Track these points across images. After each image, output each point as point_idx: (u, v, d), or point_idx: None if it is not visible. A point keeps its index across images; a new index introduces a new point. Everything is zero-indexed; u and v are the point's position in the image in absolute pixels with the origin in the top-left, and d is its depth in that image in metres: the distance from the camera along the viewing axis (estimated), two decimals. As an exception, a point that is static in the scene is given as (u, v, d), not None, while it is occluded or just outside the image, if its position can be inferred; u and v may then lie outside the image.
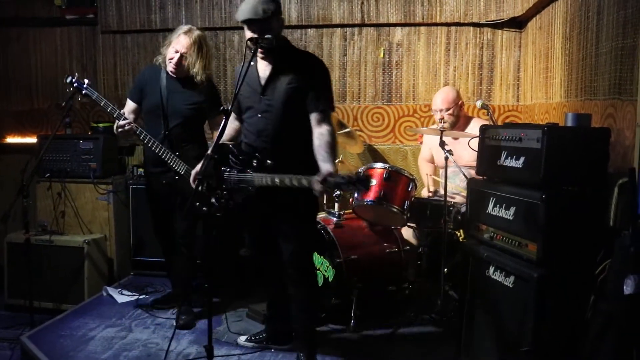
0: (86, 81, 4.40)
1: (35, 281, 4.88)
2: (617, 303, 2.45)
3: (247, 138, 3.58)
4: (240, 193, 3.48)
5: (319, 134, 3.38)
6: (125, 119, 4.26)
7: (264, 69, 3.46)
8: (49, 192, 5.47)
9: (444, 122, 4.76)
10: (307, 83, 3.41)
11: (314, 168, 3.32)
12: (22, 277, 4.99)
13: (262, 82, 3.44)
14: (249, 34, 3.33)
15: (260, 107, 3.46)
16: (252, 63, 3.34)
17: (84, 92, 4.36)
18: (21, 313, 4.94)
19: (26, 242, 4.75)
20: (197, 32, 4.37)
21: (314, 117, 3.42)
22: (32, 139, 6.21)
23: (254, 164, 3.44)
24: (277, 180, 3.30)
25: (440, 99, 4.88)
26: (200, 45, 4.34)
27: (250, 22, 3.28)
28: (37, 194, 5.51)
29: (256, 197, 3.45)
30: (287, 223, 3.57)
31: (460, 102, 4.89)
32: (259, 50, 3.33)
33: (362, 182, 3.05)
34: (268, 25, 3.28)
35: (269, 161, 3.40)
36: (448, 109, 4.83)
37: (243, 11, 3.27)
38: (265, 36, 3.25)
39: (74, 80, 4.39)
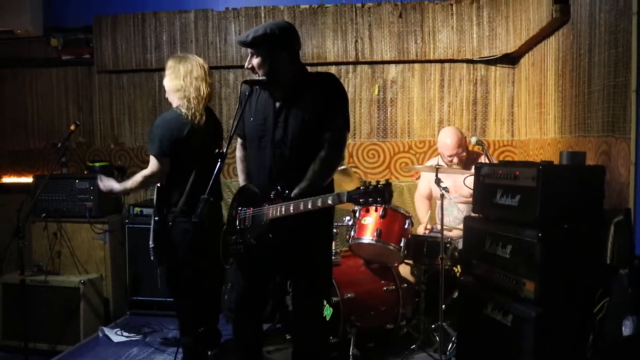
0: None
1: (31, 322, 4.85)
2: (616, 344, 2.44)
3: (258, 170, 3.43)
4: (253, 230, 3.32)
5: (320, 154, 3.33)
6: None
7: (277, 98, 3.36)
8: (45, 232, 5.46)
9: (462, 161, 4.88)
10: (323, 107, 3.30)
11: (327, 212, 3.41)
12: (17, 318, 4.96)
13: (276, 111, 3.33)
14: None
15: (274, 136, 3.32)
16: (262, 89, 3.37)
17: None
18: (16, 355, 4.89)
19: (21, 282, 4.73)
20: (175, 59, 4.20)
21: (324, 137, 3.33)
22: (28, 179, 6.20)
23: (272, 195, 3.26)
24: (291, 207, 3.12)
25: (454, 143, 4.84)
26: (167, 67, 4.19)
27: (241, 44, 3.31)
28: (32, 233, 5.50)
29: (270, 233, 3.26)
30: (304, 261, 3.43)
31: (465, 138, 4.95)
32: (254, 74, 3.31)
33: (380, 192, 2.85)
34: (255, 51, 3.25)
35: (287, 191, 3.22)
36: (463, 151, 4.88)
37: (243, 33, 3.36)
38: (260, 78, 3.27)
39: None
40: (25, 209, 4.81)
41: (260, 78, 3.26)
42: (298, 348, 3.63)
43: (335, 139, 3.33)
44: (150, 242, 4.04)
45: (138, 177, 4.06)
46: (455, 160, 4.86)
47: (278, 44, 3.26)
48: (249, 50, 3.27)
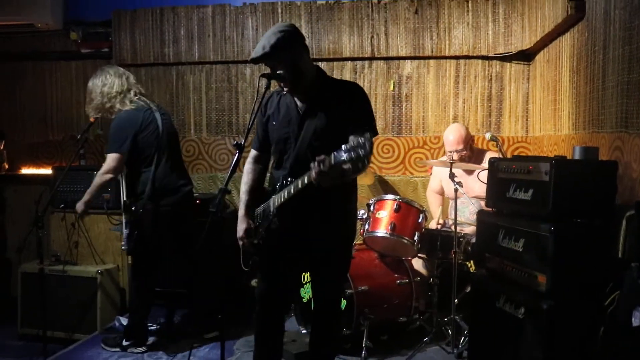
0: None
1: (49, 311, 4.90)
2: (627, 335, 2.48)
3: (279, 168, 3.41)
4: (263, 223, 3.39)
5: None
6: None
7: (300, 100, 3.34)
8: (63, 222, 5.53)
9: (464, 160, 4.88)
10: (346, 112, 3.23)
11: (344, 197, 3.38)
12: (35, 307, 5.02)
13: (301, 113, 3.31)
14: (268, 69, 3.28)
15: (297, 138, 3.30)
16: (284, 93, 3.33)
17: None
18: (34, 343, 4.95)
19: (40, 272, 4.79)
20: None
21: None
22: (47, 170, 6.30)
23: (277, 187, 3.31)
24: (285, 193, 3.18)
25: (455, 140, 4.89)
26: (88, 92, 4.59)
27: (259, 60, 3.20)
28: (51, 224, 5.58)
29: (276, 218, 3.31)
30: (323, 253, 3.44)
31: (472, 137, 4.95)
32: (282, 85, 3.25)
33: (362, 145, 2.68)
34: (277, 59, 3.18)
35: (290, 178, 3.23)
36: (465, 148, 4.89)
37: (254, 51, 3.20)
38: (277, 72, 3.20)
39: None
40: (44, 200, 4.88)
41: (279, 72, 3.22)
42: (317, 336, 3.64)
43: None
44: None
45: (97, 179, 4.46)
46: (455, 156, 4.85)
47: (294, 43, 3.23)
48: (269, 63, 3.22)
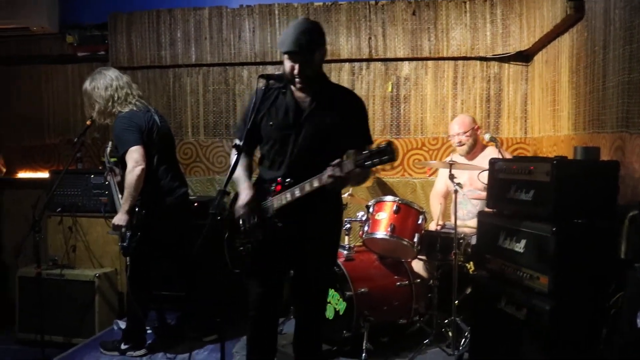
0: None
1: (47, 315, 4.88)
2: (631, 336, 2.46)
3: (272, 168, 3.38)
4: (260, 227, 3.32)
5: None
6: None
7: (303, 100, 3.31)
8: (60, 226, 5.51)
9: (462, 145, 4.96)
10: (348, 120, 3.29)
11: (336, 196, 3.43)
12: (33, 311, 5.00)
13: (304, 113, 3.28)
14: (287, 64, 3.20)
15: (294, 138, 3.28)
16: (284, 91, 3.31)
17: None
18: (32, 347, 4.93)
19: (37, 276, 4.76)
20: (85, 84, 4.54)
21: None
22: (44, 174, 6.28)
23: (272, 188, 3.30)
24: (288, 195, 3.18)
25: (458, 124, 5.04)
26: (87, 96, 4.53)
27: (293, 54, 3.15)
28: (48, 228, 5.54)
29: (279, 228, 3.29)
30: (315, 256, 3.44)
31: (476, 127, 5.00)
32: (297, 81, 3.20)
33: (383, 151, 2.81)
34: (311, 57, 3.17)
35: (288, 179, 3.22)
36: (465, 132, 4.97)
37: (286, 42, 3.14)
38: (302, 61, 3.15)
39: None
40: (41, 204, 4.85)
41: (278, 73, 3.23)
42: (303, 332, 3.61)
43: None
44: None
45: (128, 178, 4.29)
46: (456, 140, 5.00)
47: (323, 41, 3.28)
48: (296, 55, 3.16)
